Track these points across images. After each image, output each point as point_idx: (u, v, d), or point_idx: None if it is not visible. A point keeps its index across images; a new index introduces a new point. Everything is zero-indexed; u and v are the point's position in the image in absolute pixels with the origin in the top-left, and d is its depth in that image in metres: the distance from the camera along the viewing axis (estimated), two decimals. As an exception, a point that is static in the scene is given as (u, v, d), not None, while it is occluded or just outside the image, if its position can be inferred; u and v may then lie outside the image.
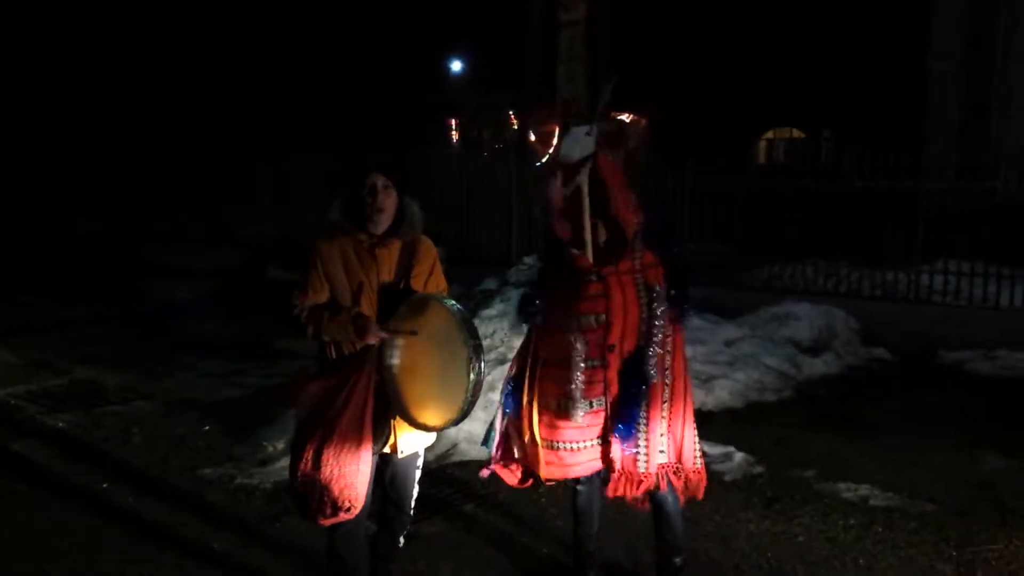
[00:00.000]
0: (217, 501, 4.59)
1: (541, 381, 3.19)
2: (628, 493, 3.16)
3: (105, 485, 4.81)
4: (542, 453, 3.18)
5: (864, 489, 4.66)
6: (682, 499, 3.26)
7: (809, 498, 4.58)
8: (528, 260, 7.99)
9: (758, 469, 4.97)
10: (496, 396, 5.57)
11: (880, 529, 4.18)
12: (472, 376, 2.83)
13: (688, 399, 3.23)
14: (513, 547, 4.03)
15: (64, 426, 5.87)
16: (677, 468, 3.18)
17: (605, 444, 3.16)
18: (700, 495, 3.28)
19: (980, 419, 6.06)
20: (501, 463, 3.35)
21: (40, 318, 9.66)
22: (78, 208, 17.29)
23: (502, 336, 6.10)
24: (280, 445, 5.04)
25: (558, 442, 3.17)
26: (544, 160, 3.17)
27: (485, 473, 3.43)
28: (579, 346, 3.08)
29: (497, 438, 3.36)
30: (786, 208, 9.40)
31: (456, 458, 5.15)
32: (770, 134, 29.29)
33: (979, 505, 4.47)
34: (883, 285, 8.92)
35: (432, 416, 2.99)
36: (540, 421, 3.18)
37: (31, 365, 7.48)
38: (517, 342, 6.09)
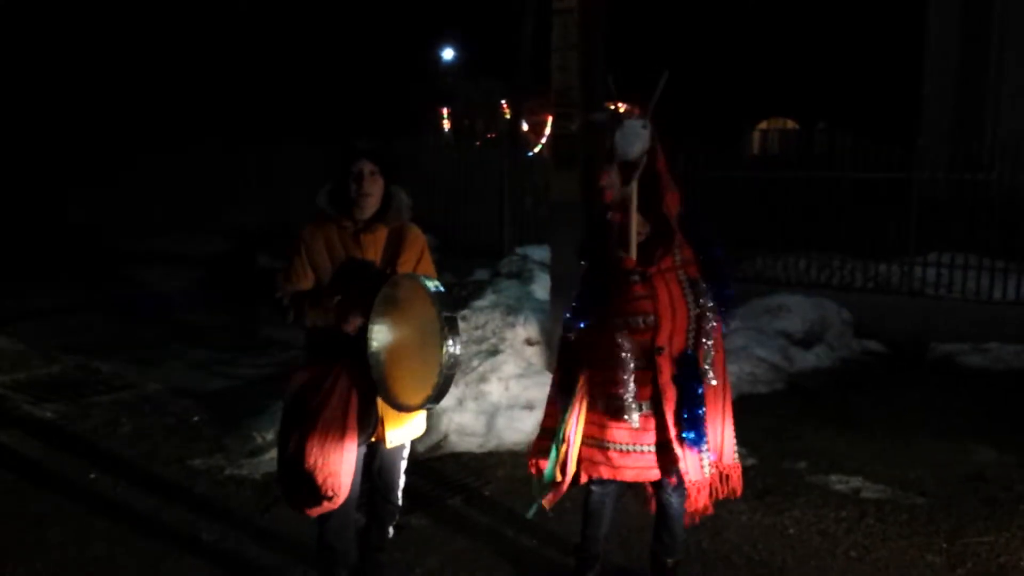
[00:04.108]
0: (206, 492, 4.57)
1: (589, 382, 3.07)
2: (700, 503, 3.07)
3: (93, 475, 4.78)
4: (585, 452, 3.09)
5: (855, 481, 4.67)
6: (708, 503, 3.11)
7: (800, 490, 4.58)
8: (520, 251, 7.96)
9: (750, 461, 4.96)
10: (488, 387, 5.59)
11: (871, 521, 4.19)
12: (446, 350, 2.76)
13: (728, 395, 3.16)
14: (503, 541, 4.01)
15: (52, 415, 5.83)
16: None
17: (663, 453, 3.02)
18: (739, 492, 3.19)
19: (971, 412, 6.07)
20: (537, 459, 3.26)
21: (29, 307, 9.59)
22: (70, 200, 17.18)
23: (494, 327, 6.07)
24: (269, 436, 5.02)
25: (609, 442, 3.04)
26: (605, 157, 3.02)
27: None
28: (627, 346, 2.96)
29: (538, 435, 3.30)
30: (779, 199, 9.37)
31: (446, 450, 5.14)
32: (764, 124, 29.22)
33: (969, 497, 4.48)
34: (876, 277, 8.90)
35: (411, 395, 2.92)
36: (588, 420, 3.08)
37: (19, 353, 7.42)
38: (509, 333, 6.09)
